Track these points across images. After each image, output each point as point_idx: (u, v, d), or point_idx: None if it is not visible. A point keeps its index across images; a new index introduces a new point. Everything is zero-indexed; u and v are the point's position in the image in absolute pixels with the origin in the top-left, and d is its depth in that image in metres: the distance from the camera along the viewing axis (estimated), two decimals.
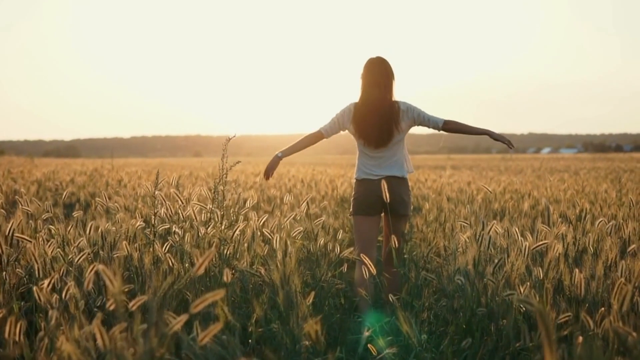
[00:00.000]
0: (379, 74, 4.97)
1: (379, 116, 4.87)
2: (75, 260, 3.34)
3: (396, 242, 4.66)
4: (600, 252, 3.91)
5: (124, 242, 3.69)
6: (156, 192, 4.02)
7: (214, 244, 3.52)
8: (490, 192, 6.44)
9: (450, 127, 4.93)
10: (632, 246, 3.69)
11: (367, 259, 3.96)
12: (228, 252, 3.61)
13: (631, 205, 5.95)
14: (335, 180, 13.36)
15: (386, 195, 4.44)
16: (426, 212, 7.21)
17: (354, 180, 5.08)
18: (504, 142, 5.00)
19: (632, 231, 4.49)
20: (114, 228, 5.03)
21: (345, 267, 5.03)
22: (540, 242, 3.52)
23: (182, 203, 4.52)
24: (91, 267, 2.57)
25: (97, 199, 5.30)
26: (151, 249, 3.86)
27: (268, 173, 4.93)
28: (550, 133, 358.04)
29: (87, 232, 4.08)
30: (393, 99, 4.95)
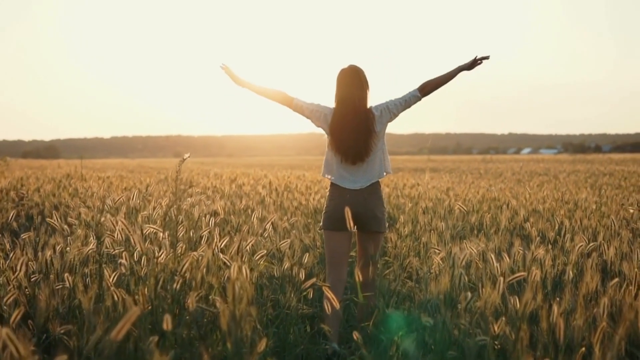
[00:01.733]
0: (352, 84, 4.71)
1: (355, 132, 4.62)
2: (4, 299, 3.04)
3: (370, 266, 4.42)
4: (580, 282, 3.66)
5: (66, 275, 3.38)
6: (103, 219, 3.70)
7: (160, 280, 3.23)
8: (465, 210, 6.17)
9: (428, 89, 4.75)
10: (615, 280, 3.43)
11: (330, 292, 3.67)
12: (177, 286, 3.32)
13: (612, 224, 5.72)
14: (311, 186, 13.09)
15: (350, 221, 4.13)
16: (401, 225, 6.94)
17: (329, 186, 4.82)
18: (477, 61, 4.79)
19: (613, 255, 4.26)
20: (68, 249, 4.75)
21: (311, 293, 4.75)
22: (517, 275, 3.27)
23: (136, 226, 4.24)
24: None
25: (48, 219, 4.95)
26: (98, 280, 3.55)
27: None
28: (530, 133, 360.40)
29: (35, 256, 3.80)
30: (367, 107, 4.70)
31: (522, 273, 3.28)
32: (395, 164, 39.78)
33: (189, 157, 4.39)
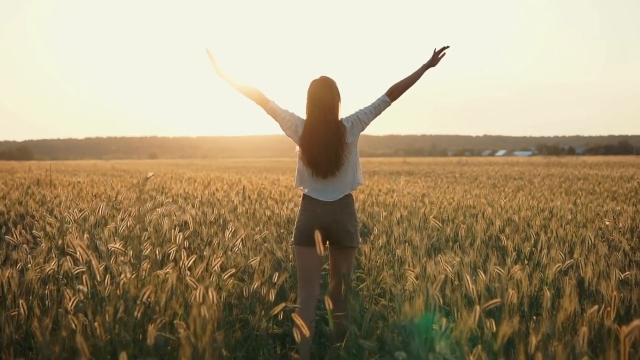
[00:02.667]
0: (323, 96, 4.58)
1: (326, 146, 4.50)
2: None
3: (343, 284, 4.30)
4: (557, 303, 3.56)
5: (21, 302, 3.20)
6: (67, 236, 3.52)
7: (120, 308, 3.06)
8: (440, 226, 6.07)
9: (396, 92, 4.67)
10: (594, 307, 3.32)
11: (299, 319, 3.52)
12: (138, 314, 3.15)
13: (588, 239, 5.64)
14: (285, 192, 12.94)
15: (320, 246, 3.99)
16: (375, 237, 6.82)
17: (301, 199, 4.69)
18: (438, 55, 4.72)
19: (590, 274, 4.16)
20: (29, 265, 4.56)
21: (281, 313, 4.60)
22: (493, 302, 3.15)
23: (101, 241, 4.07)
24: None
25: (7, 236, 4.76)
26: (56, 304, 3.38)
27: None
28: (505, 135, 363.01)
29: None
30: (339, 119, 4.57)
31: (498, 300, 3.16)
32: (370, 167, 39.79)
33: (152, 176, 4.21)
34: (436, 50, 4.72)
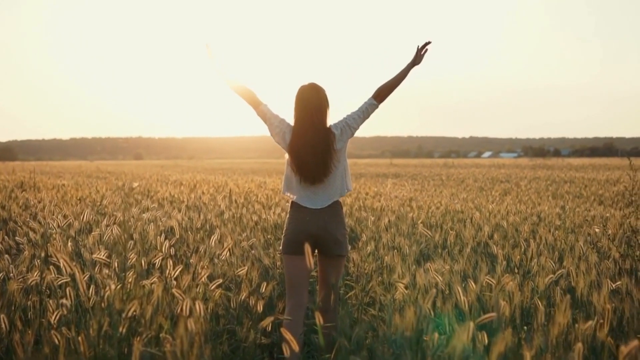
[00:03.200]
0: (311, 103, 4.52)
1: (314, 154, 4.45)
2: None
3: (332, 291, 4.23)
4: (550, 315, 3.51)
5: (2, 316, 3.11)
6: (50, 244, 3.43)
7: (105, 324, 2.97)
8: (430, 235, 6.01)
9: (383, 94, 4.63)
10: (589, 323, 3.27)
11: (288, 333, 3.44)
12: (123, 330, 3.07)
13: (577, 245, 5.61)
14: (272, 196, 12.86)
15: (310, 259, 3.92)
16: (363, 244, 6.76)
17: (289, 204, 4.63)
18: (421, 52, 4.68)
19: (582, 285, 4.12)
20: (12, 275, 4.47)
21: (270, 325, 4.52)
22: (486, 316, 3.10)
23: (85, 249, 3.98)
24: None
25: None
26: (39, 317, 3.29)
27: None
28: (491, 137, 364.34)
29: None
30: (327, 127, 4.50)
31: (492, 314, 3.10)
32: (357, 168, 39.76)
33: (138, 186, 4.13)
34: (419, 47, 4.68)
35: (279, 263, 6.26)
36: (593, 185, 18.97)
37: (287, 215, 4.61)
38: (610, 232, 7.06)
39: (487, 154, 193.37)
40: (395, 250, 6.31)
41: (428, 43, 4.71)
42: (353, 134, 4.62)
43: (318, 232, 4.43)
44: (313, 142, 4.45)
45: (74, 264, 3.51)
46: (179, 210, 10.11)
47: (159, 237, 6.17)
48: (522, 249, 5.70)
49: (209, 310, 4.14)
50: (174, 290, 3.66)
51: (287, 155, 4.57)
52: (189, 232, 7.36)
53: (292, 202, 4.57)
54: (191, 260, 5.68)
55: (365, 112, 4.61)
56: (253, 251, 6.27)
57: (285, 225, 4.61)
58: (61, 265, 3.80)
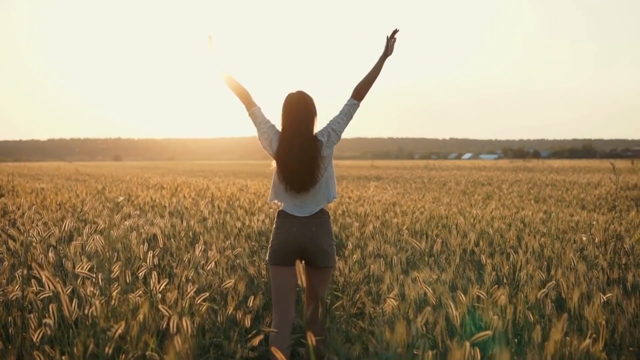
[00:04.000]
0: (298, 112, 4.46)
1: (301, 164, 4.40)
2: None
3: (318, 303, 4.16)
4: (544, 330, 3.46)
5: None
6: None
7: (90, 345, 2.87)
8: (418, 246, 5.95)
9: (362, 92, 4.60)
10: (586, 342, 3.21)
11: (278, 353, 3.36)
12: (109, 351, 2.96)
13: (563, 252, 5.58)
14: (254, 200, 12.76)
15: (302, 277, 3.84)
16: (349, 252, 6.69)
17: (272, 210, 4.56)
18: (390, 42, 4.65)
19: (573, 296, 4.08)
20: None
21: (257, 341, 4.44)
22: (483, 334, 3.03)
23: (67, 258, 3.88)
24: None
25: None
26: (19, 335, 3.18)
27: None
28: (471, 138, 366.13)
29: None
30: (314, 135, 4.45)
31: (488, 332, 3.04)
32: (339, 171, 39.69)
33: (124, 199, 4.03)
34: (388, 37, 4.64)
35: (264, 272, 6.18)
36: (574, 188, 19.04)
37: (274, 225, 4.55)
38: (597, 239, 7.03)
39: (467, 155, 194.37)
40: (382, 259, 6.25)
41: (396, 31, 4.68)
42: (339, 138, 4.58)
43: (305, 243, 4.38)
44: (300, 152, 4.40)
45: (57, 279, 3.40)
46: (162, 217, 10.00)
47: (141, 245, 6.08)
48: (510, 259, 5.65)
49: (195, 324, 4.05)
50: (160, 306, 3.56)
51: (274, 163, 4.52)
52: (172, 240, 7.26)
53: (279, 211, 4.52)
54: (175, 270, 5.59)
55: (347, 114, 4.57)
56: (238, 260, 6.19)
57: (272, 236, 4.54)
58: (43, 280, 3.70)
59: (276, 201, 4.54)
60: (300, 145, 4.41)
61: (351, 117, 4.61)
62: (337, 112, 4.62)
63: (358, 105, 4.59)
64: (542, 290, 4.12)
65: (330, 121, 4.57)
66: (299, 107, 4.47)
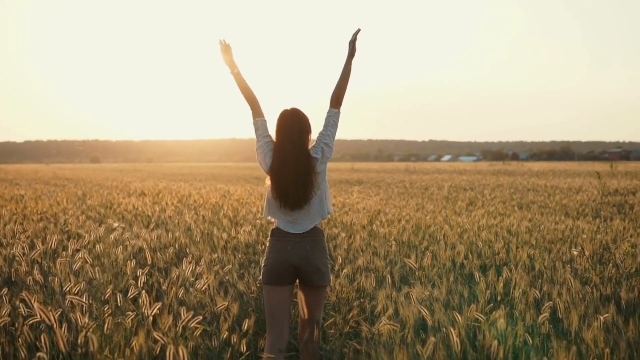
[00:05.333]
0: (292, 129, 4.42)
1: (295, 183, 4.37)
2: None
3: (313, 324, 4.11)
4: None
5: None
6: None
7: None
8: (413, 266, 5.91)
9: (339, 98, 4.60)
10: None
11: None
12: None
13: (562, 277, 5.55)
14: (239, 209, 12.67)
15: (303, 308, 3.78)
16: (339, 267, 6.63)
17: (259, 221, 4.50)
18: (355, 40, 4.64)
19: (572, 318, 4.05)
20: None
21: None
22: None
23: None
24: None
25: None
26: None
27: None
28: (450, 140, 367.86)
29: None
30: (308, 153, 4.40)
31: None
32: None
33: (119, 226, 3.95)
34: (350, 40, 4.63)
35: (253, 287, 6.10)
36: (557, 193, 19.13)
37: (267, 244, 4.50)
38: (587, 253, 7.02)
39: (446, 157, 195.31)
40: (372, 274, 6.20)
41: (358, 31, 4.66)
42: (332, 150, 4.55)
43: (299, 262, 4.34)
44: (294, 169, 4.37)
45: (48, 308, 3.30)
46: (146, 227, 9.89)
47: (129, 261, 5.98)
48: (504, 274, 5.61)
49: (189, 348, 3.97)
50: (155, 334, 3.48)
51: (268, 180, 4.47)
52: (158, 253, 7.16)
53: (273, 229, 4.48)
54: (164, 287, 5.50)
55: (333, 125, 4.56)
56: (227, 277, 6.11)
57: (265, 254, 4.49)
58: (35, 309, 3.60)
59: (270, 217, 4.50)
60: (294, 162, 4.37)
61: (337, 126, 4.60)
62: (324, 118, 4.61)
63: (339, 112, 4.59)
64: (543, 315, 4.08)
65: (320, 136, 4.54)
66: (293, 125, 4.43)
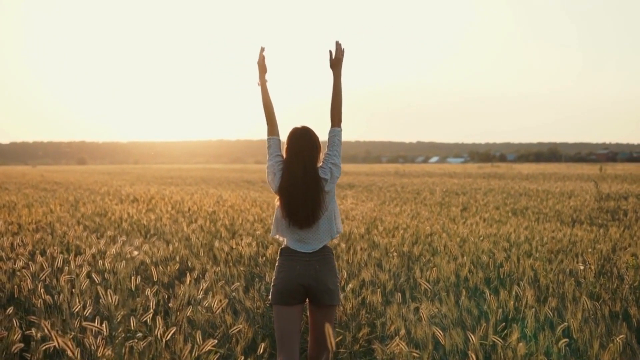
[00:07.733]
0: (302, 149, 4.40)
1: (304, 202, 4.33)
2: None
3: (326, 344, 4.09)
4: None
5: None
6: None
7: None
8: (428, 287, 5.88)
9: (338, 117, 4.59)
10: None
11: None
12: None
13: (573, 296, 5.54)
14: (235, 217, 12.61)
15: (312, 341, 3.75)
16: (344, 282, 6.59)
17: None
18: (338, 49, 4.61)
19: (588, 340, 4.03)
20: None
21: None
22: None
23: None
24: None
25: None
26: None
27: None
28: (437, 142, 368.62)
29: None
30: (317, 173, 4.37)
31: None
32: None
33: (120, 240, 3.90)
34: (332, 53, 4.61)
35: (258, 303, 6.06)
36: (549, 198, 19.18)
37: (277, 264, 4.46)
38: (592, 267, 7.02)
39: (434, 158, 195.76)
40: (378, 289, 6.17)
41: (338, 44, 4.63)
42: (340, 169, 4.52)
43: (309, 282, 4.30)
44: (304, 189, 4.34)
45: (67, 336, 3.25)
46: (144, 237, 9.83)
47: (133, 277, 5.94)
48: (513, 293, 5.59)
49: None
50: None
51: (277, 201, 4.44)
52: (161, 267, 7.11)
53: (282, 249, 4.44)
54: (171, 305, 5.45)
55: (338, 144, 4.54)
56: (234, 294, 6.07)
57: (274, 274, 4.45)
58: (49, 332, 3.55)
59: (278, 236, 4.47)
60: (303, 181, 4.34)
61: (341, 144, 4.58)
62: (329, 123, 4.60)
63: (341, 130, 4.58)
64: (563, 340, 4.06)
65: (326, 156, 4.50)
66: (303, 145, 4.40)
